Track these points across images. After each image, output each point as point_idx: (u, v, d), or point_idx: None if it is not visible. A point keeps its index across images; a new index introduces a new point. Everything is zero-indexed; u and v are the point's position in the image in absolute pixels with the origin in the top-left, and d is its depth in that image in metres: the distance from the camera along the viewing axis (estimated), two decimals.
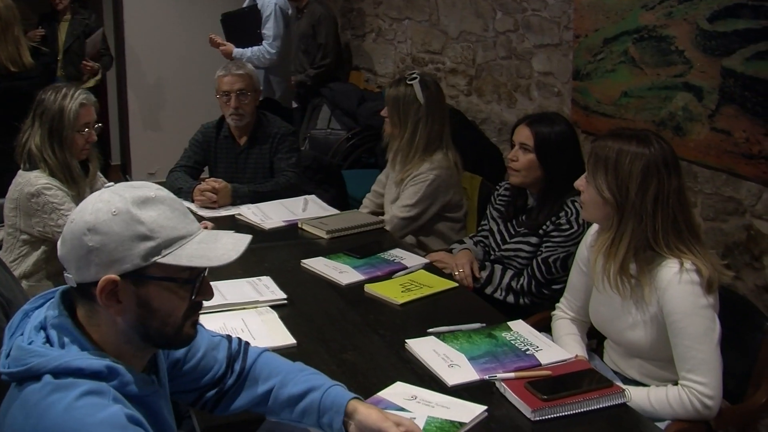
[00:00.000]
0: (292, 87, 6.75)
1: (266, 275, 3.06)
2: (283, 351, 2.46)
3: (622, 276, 2.45)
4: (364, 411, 1.89)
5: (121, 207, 1.60)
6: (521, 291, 3.25)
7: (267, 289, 2.94)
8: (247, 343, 2.08)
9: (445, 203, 3.91)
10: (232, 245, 1.70)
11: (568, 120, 3.43)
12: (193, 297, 1.69)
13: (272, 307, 2.81)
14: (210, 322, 2.62)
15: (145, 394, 1.66)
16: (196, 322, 1.75)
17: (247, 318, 2.71)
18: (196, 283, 1.68)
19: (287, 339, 2.57)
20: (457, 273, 3.32)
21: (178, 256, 1.62)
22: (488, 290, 3.30)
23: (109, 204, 1.61)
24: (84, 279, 1.60)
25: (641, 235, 2.41)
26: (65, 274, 1.65)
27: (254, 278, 3.03)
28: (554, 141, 3.23)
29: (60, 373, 1.54)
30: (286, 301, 2.85)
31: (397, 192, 3.95)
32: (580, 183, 2.55)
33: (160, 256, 1.60)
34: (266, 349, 2.10)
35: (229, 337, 2.08)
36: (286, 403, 1.96)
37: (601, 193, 2.44)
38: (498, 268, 3.33)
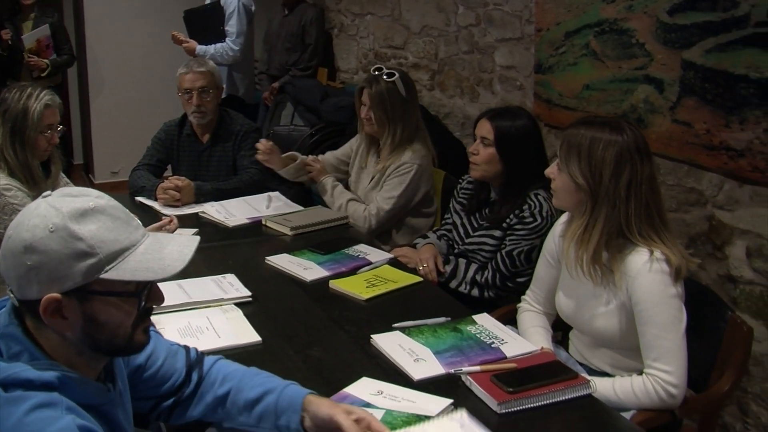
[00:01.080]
0: (275, 90, 6.73)
1: (230, 273, 3.04)
2: (249, 349, 2.48)
3: (594, 264, 2.45)
4: (315, 402, 1.90)
5: (59, 223, 1.54)
6: (486, 284, 3.26)
7: (231, 286, 2.92)
8: (203, 353, 2.08)
9: (423, 194, 3.94)
10: (178, 253, 1.64)
11: (531, 114, 3.43)
12: (142, 305, 1.64)
13: (237, 304, 2.80)
14: (175, 321, 2.63)
15: (100, 402, 1.63)
16: (147, 329, 1.71)
17: (212, 316, 2.69)
18: (142, 295, 1.63)
19: (253, 337, 2.56)
20: (421, 268, 3.31)
21: (122, 271, 1.57)
22: (453, 284, 3.30)
23: (45, 219, 1.54)
24: (26, 297, 1.55)
25: (614, 221, 2.42)
26: (7, 290, 1.60)
27: (219, 276, 3.01)
28: (515, 135, 3.24)
29: (9, 384, 1.49)
30: (250, 299, 2.84)
31: (378, 181, 3.96)
32: (550, 171, 2.56)
33: (102, 273, 1.55)
34: (221, 357, 2.09)
35: (186, 348, 2.06)
36: (243, 408, 1.95)
37: (575, 180, 2.44)
38: (462, 262, 3.33)
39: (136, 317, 1.63)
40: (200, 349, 2.30)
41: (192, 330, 2.58)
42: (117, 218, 1.60)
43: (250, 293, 2.86)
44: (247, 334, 2.58)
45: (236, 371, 2.03)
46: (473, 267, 3.30)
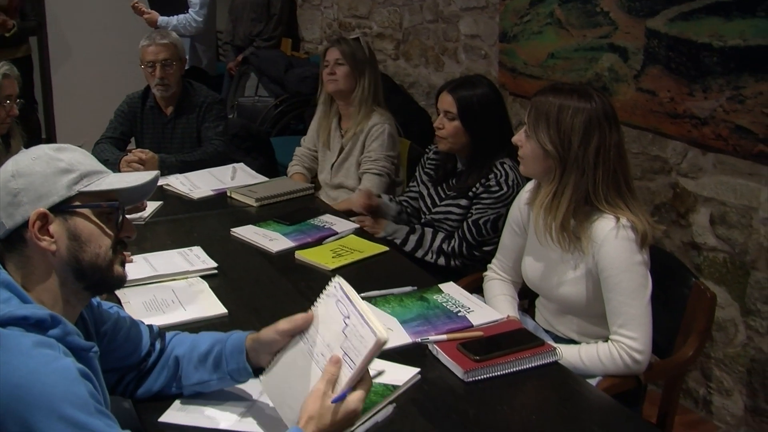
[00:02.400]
0: (238, 61, 6.68)
1: (196, 245, 3.02)
2: (215, 321, 2.46)
3: (563, 231, 2.46)
4: (255, 334, 1.93)
5: (40, 153, 1.72)
6: (452, 253, 3.26)
7: (198, 258, 2.90)
8: (163, 331, 2.10)
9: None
10: (144, 174, 1.83)
11: (492, 81, 3.42)
12: (119, 232, 1.76)
13: (203, 277, 2.78)
14: (141, 295, 2.62)
15: (85, 348, 1.67)
16: (124, 262, 1.81)
17: (177, 290, 2.67)
18: (119, 214, 1.76)
19: (218, 309, 2.55)
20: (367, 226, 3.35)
21: (100, 184, 1.73)
22: (419, 254, 3.30)
23: (27, 153, 1.72)
24: (16, 222, 1.67)
25: (582, 188, 2.42)
26: None
27: (185, 249, 2.99)
28: (477, 105, 3.23)
29: (6, 323, 1.55)
30: (216, 271, 2.82)
31: (349, 151, 3.96)
32: (518, 138, 2.54)
33: (82, 185, 1.70)
34: (179, 332, 2.11)
35: (148, 325, 2.09)
36: (198, 363, 1.98)
37: (543, 147, 2.43)
38: (429, 231, 3.33)
39: (114, 240, 1.75)
40: (167, 322, 2.40)
41: (158, 303, 2.56)
42: (89, 155, 1.78)
43: (215, 265, 2.84)
44: (213, 307, 2.56)
45: (189, 336, 2.07)
46: (440, 236, 3.30)
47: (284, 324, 1.86)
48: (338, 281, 1.80)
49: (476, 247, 3.23)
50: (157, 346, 2.02)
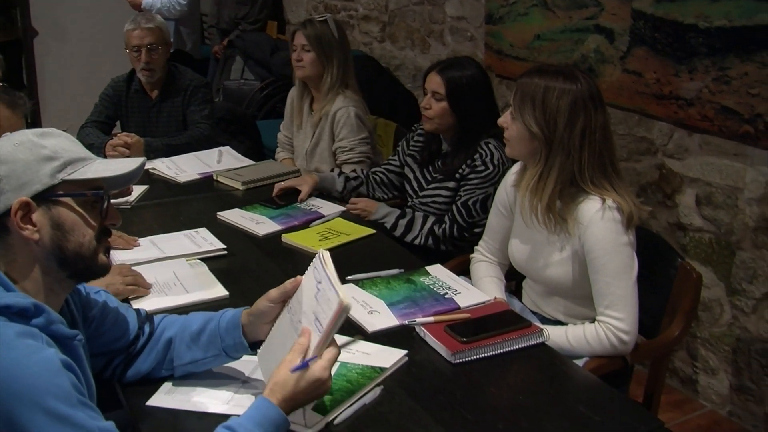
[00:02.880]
0: (223, 45, 6.65)
1: (186, 229, 3.03)
2: (216, 303, 2.46)
3: (548, 213, 2.46)
4: (250, 309, 1.94)
5: (23, 138, 1.69)
6: (443, 236, 3.24)
7: (205, 241, 2.92)
8: (151, 315, 2.10)
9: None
10: (131, 161, 1.80)
11: (480, 63, 3.42)
12: (103, 220, 1.75)
13: (202, 259, 2.79)
14: (157, 270, 2.64)
15: (69, 336, 1.66)
16: (108, 250, 1.80)
17: (178, 272, 2.67)
18: (104, 202, 1.74)
19: (220, 291, 2.55)
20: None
21: (84, 172, 1.70)
22: (408, 238, 3.29)
23: (10, 139, 1.69)
24: None
25: (568, 169, 2.41)
26: None
27: (191, 230, 3.01)
28: (466, 86, 3.22)
29: None
30: (226, 251, 2.85)
31: (319, 136, 3.92)
32: (503, 120, 2.53)
33: (66, 173, 1.67)
34: (167, 315, 2.11)
35: (137, 310, 2.09)
36: (190, 342, 1.98)
37: (529, 128, 2.43)
38: (419, 216, 3.31)
39: (98, 230, 1.73)
40: (170, 305, 2.45)
41: (160, 286, 2.57)
42: (74, 142, 1.75)
43: (224, 246, 2.87)
44: (215, 289, 2.57)
45: (178, 317, 2.07)
46: (430, 219, 3.29)
47: (274, 292, 1.89)
48: (321, 251, 1.82)
49: (467, 229, 3.22)
50: (146, 329, 2.02)
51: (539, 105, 2.42)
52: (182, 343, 1.98)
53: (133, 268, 2.59)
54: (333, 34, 3.88)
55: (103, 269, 1.79)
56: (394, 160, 3.62)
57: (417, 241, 3.27)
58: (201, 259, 2.79)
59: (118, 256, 2.69)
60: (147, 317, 2.05)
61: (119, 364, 1.99)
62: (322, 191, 3.51)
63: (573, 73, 2.46)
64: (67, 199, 1.68)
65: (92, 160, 1.74)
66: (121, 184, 1.82)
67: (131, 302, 2.44)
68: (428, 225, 3.27)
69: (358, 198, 3.46)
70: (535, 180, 2.46)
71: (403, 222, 3.30)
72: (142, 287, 2.49)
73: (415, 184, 3.47)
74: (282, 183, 3.43)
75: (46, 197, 1.66)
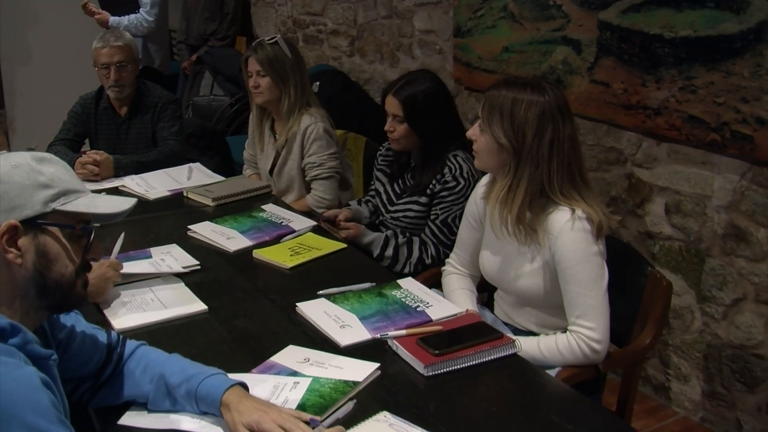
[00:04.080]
0: (193, 60, 6.64)
1: (155, 246, 3.02)
2: (195, 318, 2.49)
3: (518, 225, 2.46)
4: (235, 402, 1.87)
5: (21, 161, 1.68)
6: (433, 262, 3.22)
7: (176, 261, 2.90)
8: (125, 337, 2.07)
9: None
10: (122, 200, 1.82)
11: (435, 74, 3.40)
12: (86, 253, 1.75)
13: (176, 275, 2.78)
14: (119, 297, 2.60)
15: (44, 356, 1.65)
16: (86, 283, 1.79)
17: (155, 288, 2.67)
18: (90, 237, 1.75)
19: (198, 306, 2.55)
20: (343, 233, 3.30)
21: (76, 205, 1.70)
22: (396, 268, 3.25)
23: (8, 159, 1.69)
24: None
25: (537, 180, 2.42)
26: None
27: (162, 247, 3.02)
28: (423, 103, 3.21)
29: None
30: (199, 267, 2.84)
31: (285, 157, 3.89)
32: (472, 132, 2.53)
33: (59, 203, 1.68)
34: (144, 343, 2.08)
35: (107, 330, 2.06)
36: (166, 394, 1.94)
37: (498, 140, 2.43)
38: (402, 244, 3.27)
39: (80, 263, 1.74)
40: (149, 321, 2.46)
41: (137, 303, 2.56)
42: (69, 171, 1.76)
43: (197, 262, 2.87)
44: (193, 304, 2.56)
45: (158, 358, 2.02)
46: (415, 246, 3.25)
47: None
48: None
49: (451, 247, 3.16)
50: (115, 356, 1.99)
51: (507, 116, 2.43)
52: (159, 391, 1.95)
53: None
54: (286, 54, 3.83)
55: (79, 301, 1.79)
56: (373, 185, 3.60)
57: (406, 270, 3.22)
58: (174, 275, 2.78)
59: None
60: (118, 343, 2.02)
61: (86, 390, 1.97)
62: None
63: (540, 85, 2.47)
64: (55, 229, 1.69)
65: (85, 193, 1.74)
66: (108, 220, 1.81)
67: (110, 317, 2.44)
68: (415, 254, 3.24)
69: (345, 224, 3.37)
70: (505, 191, 2.46)
71: (389, 253, 3.26)
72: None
73: (384, 198, 3.46)
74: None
75: (34, 224, 1.66)
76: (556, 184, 2.42)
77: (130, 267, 2.75)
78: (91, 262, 1.80)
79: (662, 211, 3.54)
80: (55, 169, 1.70)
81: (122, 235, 2.75)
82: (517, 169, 2.44)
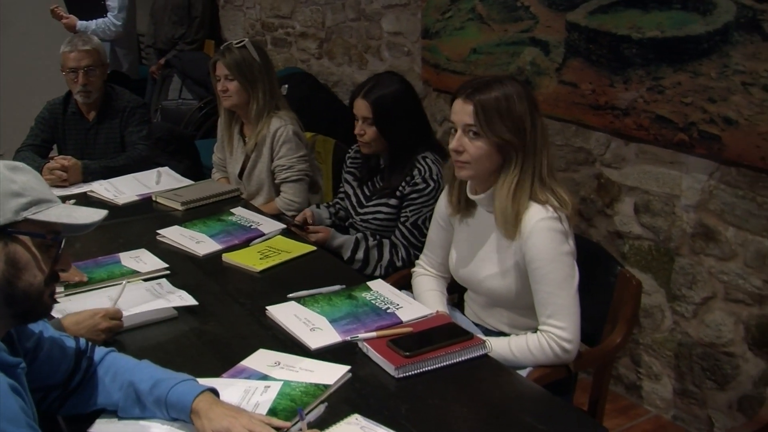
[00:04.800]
0: (161, 65, 6.61)
1: (122, 251, 3.00)
2: (165, 321, 2.49)
3: (517, 218, 2.45)
4: (205, 409, 1.85)
5: None
6: (403, 264, 3.21)
7: (146, 265, 2.88)
8: (94, 344, 2.05)
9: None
10: (93, 212, 1.82)
11: (402, 76, 3.40)
12: (54, 264, 1.74)
13: (144, 281, 2.76)
14: (87, 301, 2.57)
15: (12, 364, 1.65)
16: (53, 294, 1.78)
17: (124, 294, 2.61)
18: (60, 247, 1.75)
19: (167, 311, 2.53)
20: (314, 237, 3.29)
21: (48, 215, 1.70)
22: (367, 271, 3.24)
23: None
24: None
25: (538, 166, 2.44)
26: None
27: (131, 251, 3.00)
28: (392, 105, 3.21)
29: None
30: (168, 272, 2.82)
31: (255, 160, 3.86)
32: (458, 144, 2.46)
33: (30, 213, 1.68)
34: (113, 350, 2.06)
35: (76, 338, 2.04)
36: (135, 401, 1.93)
37: (503, 139, 2.41)
38: (373, 246, 3.26)
39: (49, 273, 1.73)
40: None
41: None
42: (41, 181, 1.76)
43: (166, 266, 2.85)
44: (162, 309, 2.53)
45: (127, 364, 2.01)
46: (386, 249, 3.25)
47: None
48: None
49: (421, 248, 3.15)
50: (83, 364, 1.96)
51: (506, 114, 2.41)
52: (129, 398, 1.93)
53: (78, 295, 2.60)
54: (254, 57, 3.81)
55: (45, 310, 1.78)
56: (342, 188, 3.59)
57: (376, 273, 3.22)
58: (144, 280, 2.76)
59: None
60: (86, 350, 2.00)
61: (55, 398, 1.94)
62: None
63: (508, 77, 2.51)
64: (26, 238, 1.68)
65: (56, 204, 1.74)
66: (78, 231, 1.80)
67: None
68: (386, 256, 3.24)
69: (313, 228, 3.36)
70: (515, 186, 2.43)
71: (359, 256, 3.25)
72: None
73: (354, 200, 3.45)
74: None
75: (5, 232, 1.65)
76: (547, 170, 2.45)
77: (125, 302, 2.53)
78: (60, 274, 1.79)
79: (631, 210, 3.55)
80: (27, 178, 1.70)
81: (125, 283, 2.56)
82: (523, 161, 2.44)
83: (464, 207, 2.63)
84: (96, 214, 1.80)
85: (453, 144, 2.48)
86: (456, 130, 2.48)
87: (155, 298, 2.59)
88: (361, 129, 3.25)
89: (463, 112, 2.45)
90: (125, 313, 2.40)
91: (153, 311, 2.50)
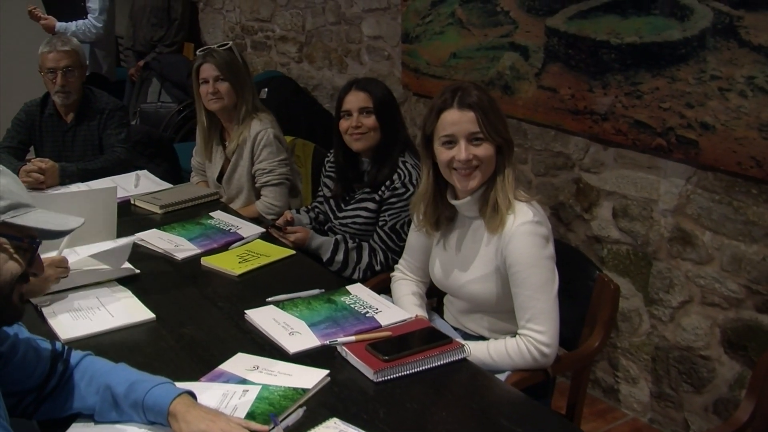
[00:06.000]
0: (140, 67, 6.59)
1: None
2: (143, 326, 2.48)
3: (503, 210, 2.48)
4: (183, 412, 1.85)
5: None
6: (382, 268, 3.21)
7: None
8: (70, 347, 2.04)
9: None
10: (70, 219, 1.80)
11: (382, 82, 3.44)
12: (29, 267, 1.74)
13: (120, 282, 2.76)
14: (64, 305, 2.58)
15: None
16: (23, 296, 1.77)
17: (101, 296, 2.65)
18: (35, 251, 1.74)
19: (146, 314, 2.53)
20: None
21: (26, 219, 1.69)
22: (346, 273, 3.22)
23: None
24: None
25: (516, 164, 2.52)
26: None
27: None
28: (387, 100, 3.26)
29: None
30: (138, 271, 2.83)
31: (236, 162, 3.85)
32: (467, 154, 2.42)
33: (8, 216, 1.66)
34: (90, 353, 2.05)
35: (52, 342, 2.03)
36: (112, 405, 1.91)
37: (501, 137, 2.44)
38: (352, 249, 3.25)
39: (20, 274, 1.71)
40: (96, 329, 2.43)
41: (84, 312, 2.54)
42: (20, 184, 1.76)
43: (132, 267, 2.84)
44: (140, 312, 2.55)
45: (104, 368, 1.99)
46: (365, 252, 3.25)
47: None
48: None
49: (399, 253, 3.14)
50: (59, 368, 1.95)
51: (497, 114, 2.46)
52: (105, 402, 1.92)
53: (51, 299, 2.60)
54: (239, 60, 3.81)
55: (14, 313, 1.76)
56: (321, 192, 3.59)
57: (355, 276, 3.21)
58: (120, 283, 2.76)
59: None
60: (62, 354, 1.99)
61: (30, 403, 1.93)
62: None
63: (471, 83, 2.55)
64: (2, 240, 1.68)
65: (34, 209, 1.73)
66: (54, 237, 1.80)
67: (55, 328, 2.41)
68: (365, 259, 3.22)
69: (292, 228, 3.32)
70: (510, 179, 2.46)
71: (339, 258, 3.22)
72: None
73: (333, 204, 3.45)
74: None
75: None
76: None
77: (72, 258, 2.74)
78: (31, 277, 1.78)
79: (610, 215, 3.57)
80: (6, 182, 1.69)
81: (67, 238, 2.68)
82: (510, 158, 2.48)
83: (444, 220, 2.63)
84: (73, 222, 1.80)
85: (462, 156, 2.43)
86: (452, 143, 2.46)
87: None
88: (358, 121, 3.22)
89: (464, 121, 2.44)
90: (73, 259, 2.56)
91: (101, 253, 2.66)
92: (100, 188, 2.92)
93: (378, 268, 3.22)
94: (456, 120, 2.44)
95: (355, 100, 3.25)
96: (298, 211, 3.59)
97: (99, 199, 2.99)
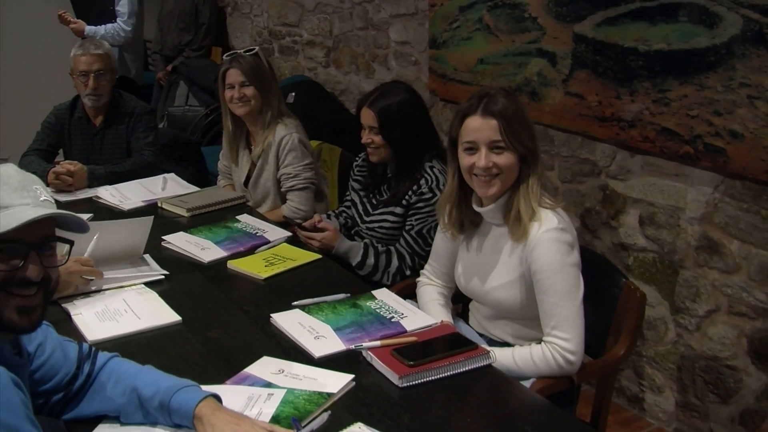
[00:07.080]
0: (168, 71, 6.63)
1: (146, 254, 3.03)
2: (169, 328, 2.49)
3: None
4: (208, 415, 1.86)
5: None
6: (412, 272, 3.20)
7: (147, 267, 2.91)
8: (97, 349, 2.05)
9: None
10: (33, 211, 1.68)
11: (409, 85, 3.40)
12: (15, 272, 1.67)
13: (146, 284, 2.78)
14: (91, 305, 2.61)
15: (13, 363, 1.64)
16: (19, 308, 1.69)
17: (128, 298, 2.67)
18: (26, 254, 1.67)
19: (172, 316, 2.55)
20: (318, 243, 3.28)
21: None
22: (376, 278, 3.23)
23: None
24: None
25: (542, 172, 2.50)
26: None
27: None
28: (397, 114, 3.20)
29: None
30: (165, 276, 2.85)
31: (261, 167, 3.86)
32: (487, 161, 2.42)
33: None
34: (116, 355, 2.07)
35: (79, 343, 2.04)
36: (138, 407, 1.92)
37: (524, 146, 2.43)
38: (382, 253, 3.25)
39: (4, 278, 1.66)
40: (122, 332, 2.44)
41: (110, 313, 2.56)
42: (4, 183, 1.68)
43: (164, 271, 2.87)
44: (166, 314, 2.56)
45: (130, 370, 2.01)
46: (394, 257, 3.24)
47: None
48: None
49: (425, 257, 3.13)
50: (86, 368, 1.97)
51: (524, 122, 2.45)
52: (131, 404, 1.93)
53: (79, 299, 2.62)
54: (265, 65, 3.84)
55: (10, 325, 1.69)
56: (349, 196, 3.59)
57: (384, 280, 3.21)
58: (146, 285, 2.78)
59: None
60: (89, 355, 2.00)
61: (57, 402, 1.95)
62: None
63: (502, 88, 2.55)
64: None
65: (7, 208, 1.66)
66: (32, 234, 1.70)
67: (82, 329, 2.43)
68: (394, 263, 3.22)
69: (322, 225, 3.34)
70: (535, 186, 2.46)
71: (370, 262, 3.23)
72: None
73: (360, 209, 3.46)
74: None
75: None
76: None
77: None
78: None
79: (636, 222, 3.55)
80: None
81: (97, 235, 2.72)
82: (536, 166, 2.47)
83: (468, 224, 2.63)
84: (35, 211, 1.67)
85: (482, 163, 2.43)
86: (474, 149, 2.46)
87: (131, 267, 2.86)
88: (368, 138, 3.25)
89: (486, 128, 2.43)
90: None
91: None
92: (138, 219, 2.93)
93: (408, 272, 3.21)
94: (478, 127, 2.45)
95: (365, 117, 3.26)
96: (328, 217, 3.59)
97: (134, 229, 2.98)
